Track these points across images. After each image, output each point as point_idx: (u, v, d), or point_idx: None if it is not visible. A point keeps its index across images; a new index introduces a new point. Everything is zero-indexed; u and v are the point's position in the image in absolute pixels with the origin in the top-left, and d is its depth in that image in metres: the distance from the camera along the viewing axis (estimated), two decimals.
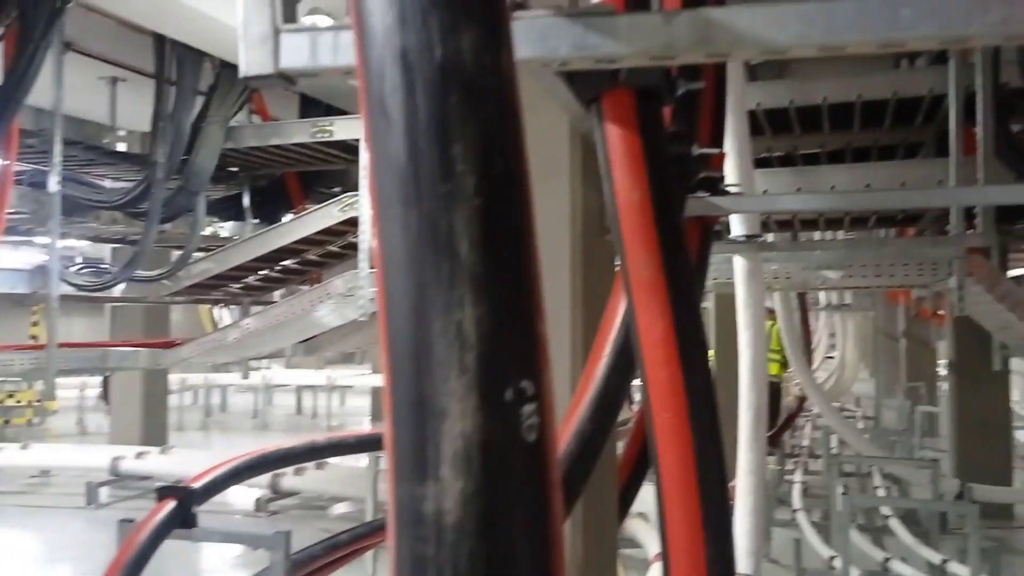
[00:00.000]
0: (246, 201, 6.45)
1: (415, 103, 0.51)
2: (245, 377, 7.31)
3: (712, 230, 2.37)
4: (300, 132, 5.71)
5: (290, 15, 0.92)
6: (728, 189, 2.58)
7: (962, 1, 0.80)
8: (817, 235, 5.57)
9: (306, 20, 0.98)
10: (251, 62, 0.93)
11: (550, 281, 2.06)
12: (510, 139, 0.52)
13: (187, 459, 7.20)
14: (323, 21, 1.01)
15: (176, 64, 5.22)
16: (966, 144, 3.84)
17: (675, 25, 0.86)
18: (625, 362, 1.43)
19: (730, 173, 3.34)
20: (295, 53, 0.92)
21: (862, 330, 11.55)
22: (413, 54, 0.51)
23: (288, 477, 6.64)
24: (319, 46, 0.91)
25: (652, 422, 1.12)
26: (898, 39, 0.83)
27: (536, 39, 0.89)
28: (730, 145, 3.32)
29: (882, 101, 4.27)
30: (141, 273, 5.80)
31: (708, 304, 7.39)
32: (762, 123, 4.60)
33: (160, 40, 5.14)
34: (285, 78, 0.95)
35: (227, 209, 6.68)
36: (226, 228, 6.96)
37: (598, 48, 0.88)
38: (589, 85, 1.19)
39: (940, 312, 8.08)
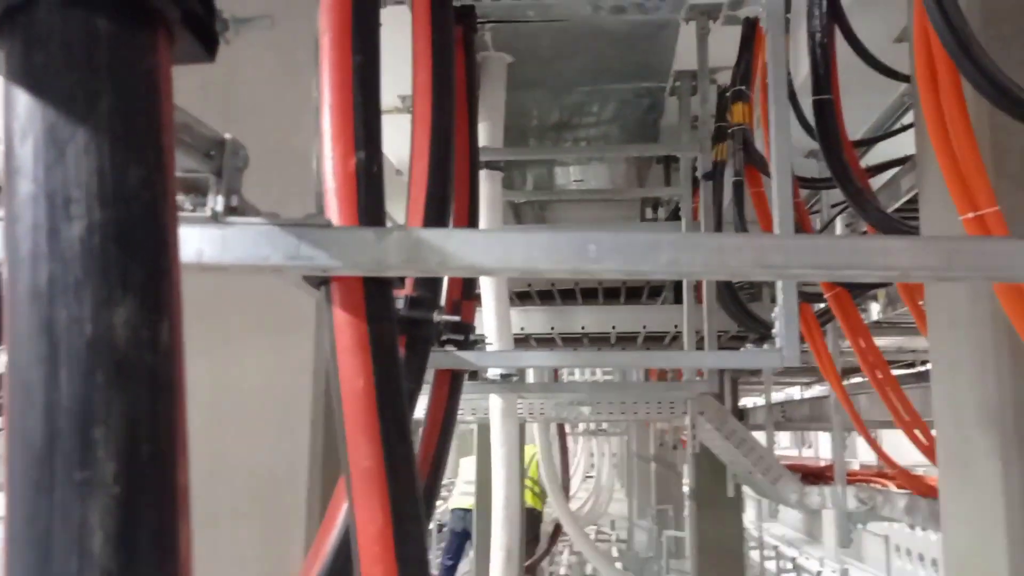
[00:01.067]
0: None
1: (58, 380, 0.48)
2: None
3: (463, 375, 2.43)
4: None
5: None
6: (478, 339, 2.67)
7: (639, 243, 0.90)
8: (577, 373, 5.91)
9: None
10: None
11: (289, 439, 1.99)
12: (162, 422, 0.50)
13: None
14: None
15: None
16: (697, 292, 4.24)
17: (387, 243, 0.90)
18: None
19: (487, 322, 3.49)
20: None
21: (619, 452, 12.14)
22: (60, 326, 0.49)
23: None
24: None
25: None
26: (587, 270, 0.91)
27: (248, 246, 0.89)
28: (486, 296, 3.47)
29: None
30: None
31: (473, 428, 7.50)
32: None
33: None
34: None
35: None
36: None
37: (311, 259, 0.89)
38: None
39: (683, 439, 8.70)
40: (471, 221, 2.43)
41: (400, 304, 1.81)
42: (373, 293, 1.25)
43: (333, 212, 1.22)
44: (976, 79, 1.53)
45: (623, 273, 0.91)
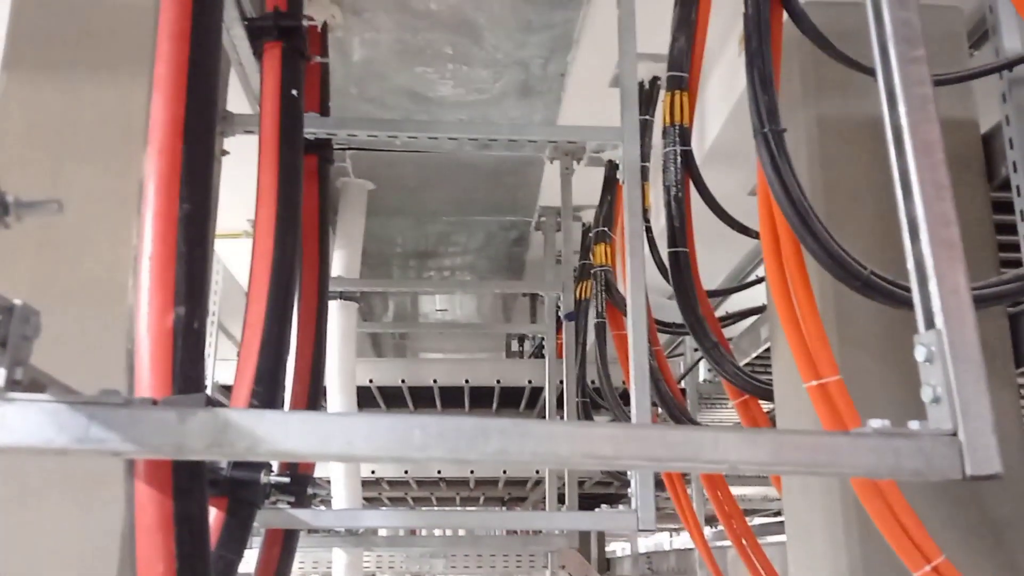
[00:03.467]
0: None
1: None
2: None
3: (297, 532, 2.33)
4: None
5: None
6: (316, 492, 2.60)
7: (466, 430, 0.91)
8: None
9: None
10: None
11: None
12: None
13: None
14: None
15: None
16: None
17: (190, 425, 0.87)
18: None
19: (333, 470, 3.40)
20: None
21: None
22: None
23: None
24: None
25: None
26: (412, 457, 0.91)
27: (29, 426, 0.84)
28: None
29: (489, 387, 4.68)
30: None
31: None
32: (377, 398, 4.80)
33: None
34: None
35: None
36: None
37: (102, 443, 0.85)
38: None
39: None
40: (317, 355, 2.39)
41: (223, 463, 1.75)
42: (182, 464, 1.20)
43: (143, 374, 1.18)
44: (815, 251, 1.67)
45: (451, 460, 0.91)
